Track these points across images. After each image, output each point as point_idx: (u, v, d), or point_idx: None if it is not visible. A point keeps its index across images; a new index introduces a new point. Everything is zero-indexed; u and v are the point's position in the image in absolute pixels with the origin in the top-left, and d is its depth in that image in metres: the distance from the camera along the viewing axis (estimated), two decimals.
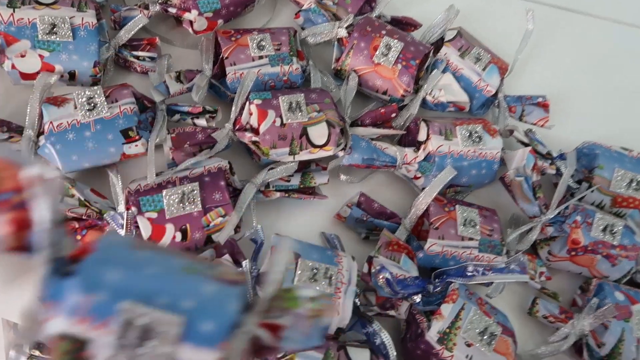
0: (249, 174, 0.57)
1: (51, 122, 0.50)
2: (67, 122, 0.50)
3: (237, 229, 0.53)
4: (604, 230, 0.57)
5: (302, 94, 0.57)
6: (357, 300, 0.51)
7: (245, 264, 0.49)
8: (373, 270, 0.50)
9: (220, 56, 0.59)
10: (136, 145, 0.53)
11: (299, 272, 0.49)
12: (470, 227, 0.55)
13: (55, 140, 0.50)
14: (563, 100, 0.69)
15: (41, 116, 0.51)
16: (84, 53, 0.54)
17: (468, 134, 0.59)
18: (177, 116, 0.56)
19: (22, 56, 0.53)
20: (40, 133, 0.51)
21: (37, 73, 0.54)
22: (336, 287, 0.49)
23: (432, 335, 0.49)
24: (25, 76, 0.54)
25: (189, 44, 0.64)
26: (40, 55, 0.53)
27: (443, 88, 0.63)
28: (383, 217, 0.58)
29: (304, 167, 0.59)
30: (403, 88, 0.61)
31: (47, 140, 0.49)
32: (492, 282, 0.56)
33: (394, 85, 0.62)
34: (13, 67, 0.53)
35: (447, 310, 0.50)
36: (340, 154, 0.58)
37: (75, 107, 0.51)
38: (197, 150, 0.56)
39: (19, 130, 0.51)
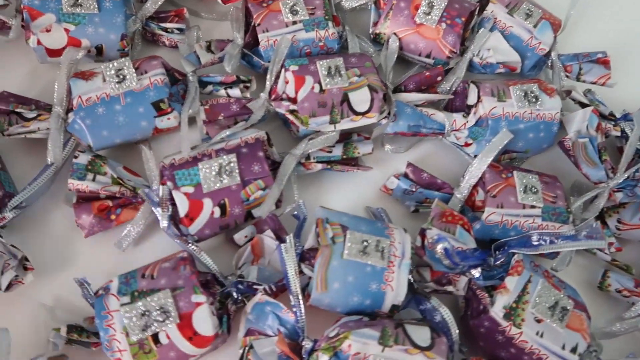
0: (286, 148, 0.53)
1: (80, 97, 0.47)
2: (96, 95, 0.47)
3: (279, 203, 0.50)
4: None
5: (341, 58, 0.53)
6: (410, 277, 0.47)
7: (290, 238, 0.45)
8: (429, 241, 0.46)
9: (252, 24, 0.56)
10: (168, 119, 0.50)
11: (349, 244, 0.45)
12: (531, 193, 0.50)
13: (84, 115, 0.47)
14: (623, 57, 0.64)
15: (69, 92, 0.48)
16: (111, 25, 0.52)
17: (523, 94, 0.54)
18: (209, 87, 0.53)
19: (48, 31, 0.51)
20: (69, 110, 0.48)
21: (63, 49, 0.51)
22: (389, 261, 0.45)
23: (497, 311, 0.45)
24: (52, 53, 0.52)
25: (217, 14, 0.61)
26: (65, 30, 0.51)
27: (491, 48, 0.58)
28: (433, 188, 0.53)
29: (345, 138, 0.55)
30: (449, 49, 0.57)
31: (77, 115, 0.47)
32: (556, 255, 0.52)
33: (439, 46, 0.57)
34: (39, 42, 0.51)
35: (512, 283, 0.45)
36: (384, 122, 0.54)
37: (104, 80, 0.48)
38: (231, 123, 0.52)
39: (47, 108, 0.49)
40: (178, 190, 0.46)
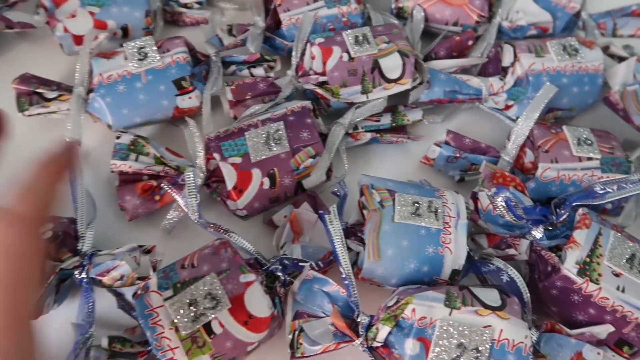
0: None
1: (100, 74, 0.45)
2: (117, 73, 0.46)
3: (329, 173, 0.47)
4: None
5: (368, 27, 0.51)
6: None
7: (333, 209, 0.42)
8: (489, 193, 0.42)
9: (273, 6, 0.54)
10: (190, 98, 0.48)
11: (399, 207, 0.41)
12: (586, 145, 0.47)
13: (105, 92, 0.45)
14: None
15: (91, 73, 0.47)
16: (134, 3, 0.51)
17: (562, 48, 0.51)
18: (232, 67, 0.51)
19: (73, 16, 0.50)
20: (90, 91, 0.46)
21: None
22: (444, 222, 0.41)
23: (569, 268, 0.40)
24: (78, 40, 0.51)
25: (237, 4, 0.60)
26: (90, 13, 0.50)
27: (520, 10, 0.56)
28: (478, 152, 0.50)
29: (392, 108, 0.52)
30: (477, 12, 0.55)
31: (97, 92, 0.45)
32: (620, 211, 0.48)
33: (466, 11, 0.55)
34: (65, 30, 0.50)
35: (581, 236, 0.41)
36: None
37: (126, 58, 0.46)
38: (259, 103, 0.50)
39: (69, 89, 0.47)
40: (225, 162, 0.44)
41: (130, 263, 0.38)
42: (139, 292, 0.39)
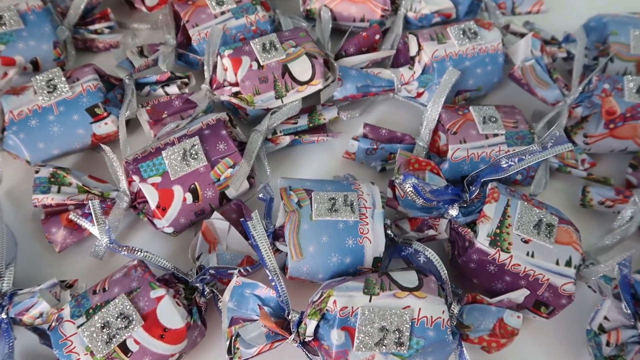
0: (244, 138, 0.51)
1: (11, 112, 0.46)
2: (28, 108, 0.46)
3: (252, 180, 0.48)
4: (639, 91, 0.50)
5: (274, 34, 0.52)
6: (390, 232, 0.45)
7: (255, 215, 0.43)
8: (397, 182, 0.44)
9: (182, 22, 0.55)
10: (106, 123, 0.48)
11: (316, 205, 0.43)
12: (491, 123, 0.49)
13: (17, 129, 0.45)
14: None
15: (2, 111, 0.47)
16: (40, 36, 0.51)
17: (462, 32, 0.54)
18: (146, 89, 0.52)
19: None
20: (4, 129, 0.46)
21: None
22: (360, 213, 0.43)
23: (481, 241, 0.43)
24: None
25: (149, 24, 0.60)
26: None
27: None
28: (394, 142, 0.52)
29: (311, 109, 0.54)
30: (380, 7, 0.57)
31: (9, 130, 0.45)
32: (532, 180, 0.50)
33: (370, 7, 0.57)
34: None
35: (491, 210, 0.44)
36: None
37: (35, 92, 0.47)
38: (177, 120, 0.51)
39: None
40: (145, 182, 0.44)
41: (49, 300, 0.39)
42: (53, 324, 0.39)
